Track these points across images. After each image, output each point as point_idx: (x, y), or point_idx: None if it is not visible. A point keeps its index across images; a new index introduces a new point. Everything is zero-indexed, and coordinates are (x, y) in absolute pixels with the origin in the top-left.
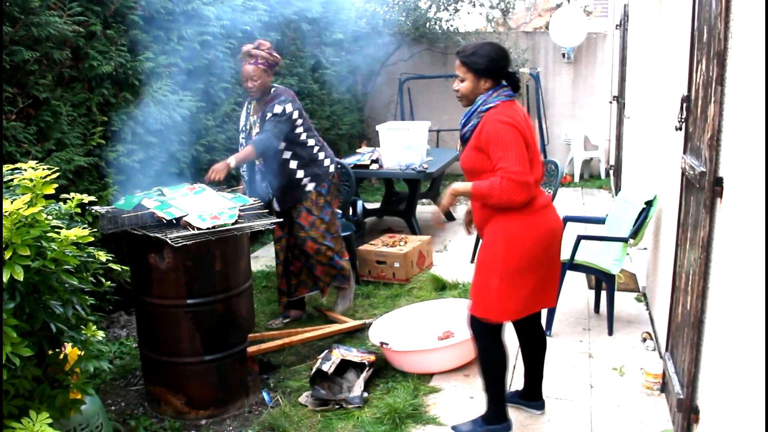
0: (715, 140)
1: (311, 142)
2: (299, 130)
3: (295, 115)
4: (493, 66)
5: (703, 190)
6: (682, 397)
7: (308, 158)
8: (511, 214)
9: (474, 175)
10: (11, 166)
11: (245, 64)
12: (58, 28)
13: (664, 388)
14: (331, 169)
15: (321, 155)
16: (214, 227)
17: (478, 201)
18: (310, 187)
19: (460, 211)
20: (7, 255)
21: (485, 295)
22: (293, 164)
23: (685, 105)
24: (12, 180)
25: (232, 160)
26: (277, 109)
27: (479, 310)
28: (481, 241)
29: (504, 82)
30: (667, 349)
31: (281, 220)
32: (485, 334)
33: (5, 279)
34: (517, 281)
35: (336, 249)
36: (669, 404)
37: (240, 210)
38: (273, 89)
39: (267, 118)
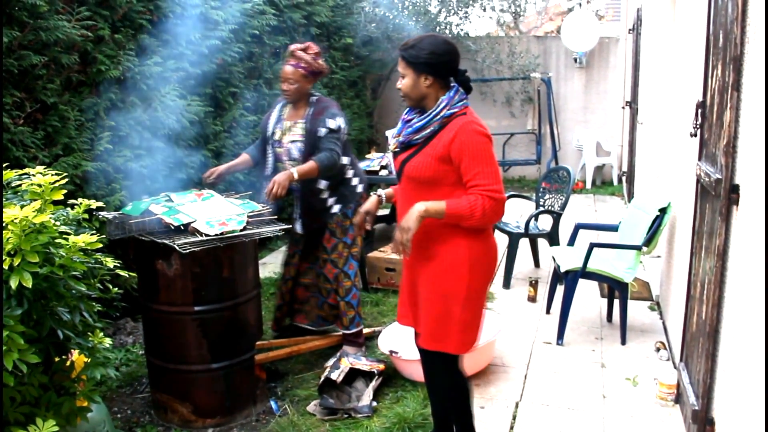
0: (731, 147)
1: (345, 160)
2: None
3: (345, 130)
4: (433, 61)
5: (718, 198)
6: (697, 408)
7: (339, 178)
8: (476, 235)
9: (428, 186)
10: (19, 171)
11: (286, 64)
12: (67, 32)
13: (679, 399)
14: (359, 189)
15: (350, 173)
16: (222, 234)
17: (451, 221)
18: (336, 209)
19: None
20: (16, 262)
21: (447, 327)
22: (322, 184)
23: (700, 111)
24: (20, 185)
25: (294, 172)
26: (332, 124)
27: (441, 343)
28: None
29: (454, 84)
30: (681, 359)
31: (289, 226)
32: (450, 369)
33: (14, 285)
34: (476, 307)
35: (354, 281)
36: (683, 416)
37: (248, 216)
38: (314, 98)
39: (322, 134)
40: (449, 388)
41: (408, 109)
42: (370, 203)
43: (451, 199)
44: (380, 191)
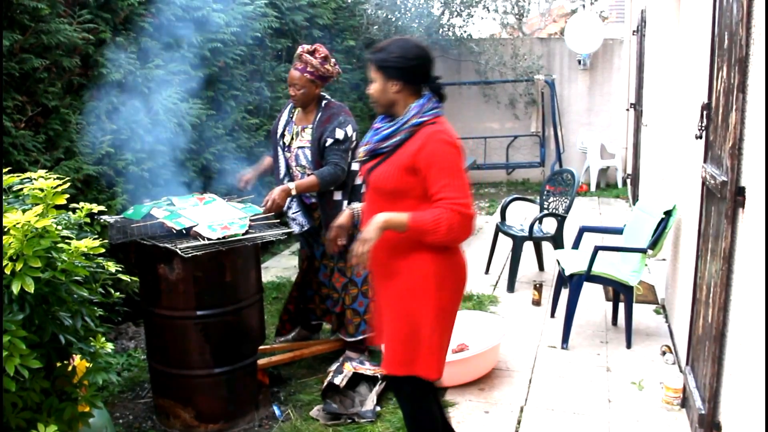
0: (736, 149)
1: (355, 166)
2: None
3: (355, 137)
4: (401, 65)
5: (724, 200)
6: (703, 412)
7: (351, 185)
8: (442, 250)
9: (394, 198)
10: (21, 176)
11: (293, 68)
12: (68, 35)
13: (685, 403)
14: None
15: (360, 179)
16: (224, 237)
17: (413, 235)
18: None
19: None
20: (18, 267)
21: (414, 349)
22: (338, 195)
23: (705, 113)
24: (22, 189)
25: (293, 187)
26: (339, 134)
27: (408, 367)
28: (378, 276)
29: (427, 92)
30: (687, 363)
31: (292, 230)
32: (418, 395)
33: (15, 290)
34: (445, 329)
35: (361, 289)
36: (690, 420)
37: (251, 220)
38: (324, 102)
39: (328, 144)
40: (417, 419)
41: (380, 116)
42: (343, 217)
43: (416, 212)
44: (355, 205)
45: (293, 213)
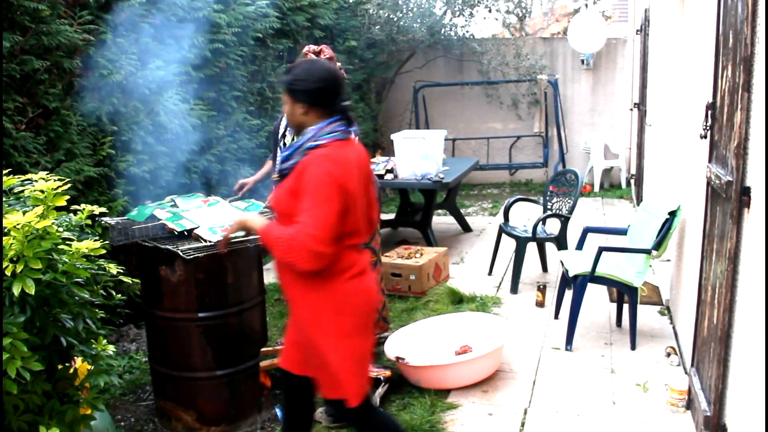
0: (741, 148)
1: None
2: None
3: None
4: (304, 88)
5: (729, 200)
6: (709, 414)
7: None
8: (338, 276)
9: (289, 221)
10: (22, 177)
11: None
12: (69, 36)
13: (690, 405)
14: None
15: None
16: None
17: (265, 245)
18: None
19: (479, 222)
20: (19, 268)
21: (331, 375)
22: None
23: (710, 112)
24: (23, 191)
25: None
26: None
27: (337, 391)
28: (288, 302)
29: (337, 115)
30: (692, 365)
31: None
32: (361, 413)
33: (16, 292)
34: (355, 355)
35: None
36: (695, 422)
37: None
38: None
39: None
40: (374, 429)
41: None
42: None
43: (272, 224)
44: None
45: None
